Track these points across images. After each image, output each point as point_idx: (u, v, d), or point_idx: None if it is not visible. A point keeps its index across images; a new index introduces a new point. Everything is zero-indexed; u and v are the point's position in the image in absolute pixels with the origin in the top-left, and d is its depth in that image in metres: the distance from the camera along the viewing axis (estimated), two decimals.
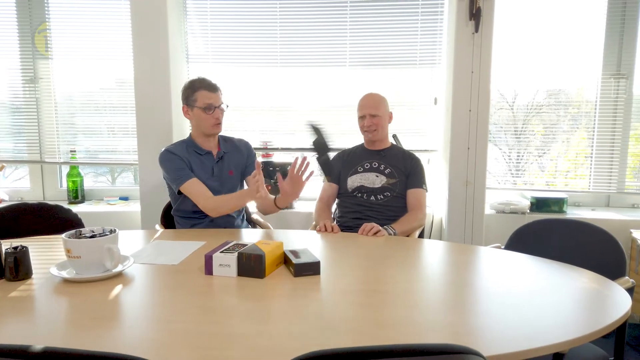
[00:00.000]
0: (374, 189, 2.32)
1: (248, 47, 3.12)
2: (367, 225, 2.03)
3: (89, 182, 3.58)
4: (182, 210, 2.27)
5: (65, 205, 3.16)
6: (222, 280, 1.48)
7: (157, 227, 2.37)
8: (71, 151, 3.26)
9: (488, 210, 2.93)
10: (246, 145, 2.37)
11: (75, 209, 3.11)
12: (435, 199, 3.10)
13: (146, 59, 2.83)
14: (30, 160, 3.31)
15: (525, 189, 3.13)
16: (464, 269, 1.59)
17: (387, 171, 2.33)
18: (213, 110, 2.15)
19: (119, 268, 1.54)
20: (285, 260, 1.62)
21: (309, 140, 2.13)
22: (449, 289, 1.40)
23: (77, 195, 3.27)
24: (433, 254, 1.78)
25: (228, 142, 2.33)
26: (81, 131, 3.32)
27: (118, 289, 1.40)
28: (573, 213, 2.95)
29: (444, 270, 1.57)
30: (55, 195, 3.37)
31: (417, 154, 2.39)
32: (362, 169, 2.37)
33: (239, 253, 1.52)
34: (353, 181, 2.37)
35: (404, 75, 3.07)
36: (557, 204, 2.96)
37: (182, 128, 3.09)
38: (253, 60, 3.12)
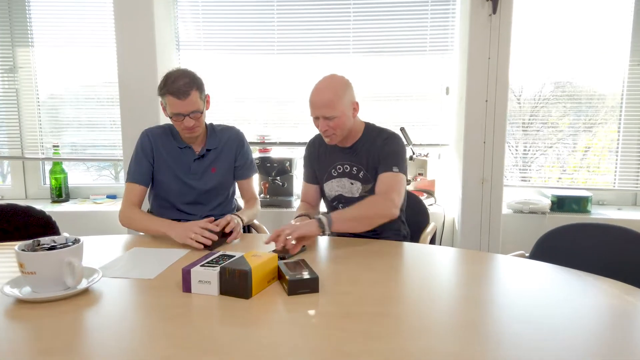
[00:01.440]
0: (354, 199, 1.93)
1: (243, 33, 2.87)
2: (276, 233, 1.60)
3: (85, 177, 3.36)
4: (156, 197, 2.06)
5: (45, 205, 2.97)
6: (202, 300, 1.25)
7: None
8: (54, 146, 3.03)
9: (505, 210, 2.69)
10: (237, 136, 2.05)
11: (58, 208, 2.89)
12: (446, 198, 2.86)
13: (130, 47, 2.59)
14: (10, 156, 3.09)
15: (545, 187, 2.88)
16: (486, 283, 1.35)
17: (361, 174, 1.91)
18: (182, 119, 1.83)
19: (83, 284, 1.31)
20: (279, 275, 1.39)
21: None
22: (470, 310, 1.16)
23: (60, 193, 3.05)
24: (448, 264, 1.55)
25: (217, 134, 2.02)
26: (66, 124, 3.09)
27: (79, 311, 1.18)
28: (598, 213, 2.71)
29: (462, 285, 1.34)
30: (38, 193, 3.15)
31: (426, 149, 2.01)
32: (335, 172, 1.96)
33: (221, 268, 1.29)
34: (330, 189, 1.99)
35: (412, 63, 2.82)
36: (580, 202, 2.72)
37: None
38: (248, 47, 2.88)
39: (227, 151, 2.02)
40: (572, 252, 1.74)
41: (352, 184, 1.94)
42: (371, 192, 1.91)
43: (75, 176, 3.32)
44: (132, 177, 1.95)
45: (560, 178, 2.94)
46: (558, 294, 1.27)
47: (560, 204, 2.74)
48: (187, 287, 1.30)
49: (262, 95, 2.94)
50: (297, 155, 2.97)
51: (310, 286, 1.30)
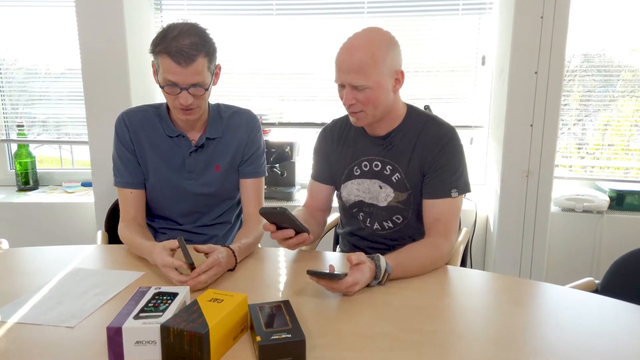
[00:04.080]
0: (378, 209, 1.43)
1: None
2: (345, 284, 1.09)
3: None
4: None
5: (10, 194, 2.51)
6: None
7: (99, 234, 1.71)
8: (18, 126, 2.61)
9: (552, 208, 2.19)
10: (251, 121, 1.50)
11: (23, 198, 2.48)
12: (479, 192, 2.38)
13: (91, 7, 2.11)
14: None
15: (601, 179, 2.38)
16: (551, 333, 0.89)
17: (395, 178, 1.40)
18: (178, 93, 1.28)
19: None
20: (251, 325, 0.95)
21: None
22: None
23: (27, 180, 2.63)
24: (488, 304, 1.08)
25: (224, 120, 1.47)
26: (32, 99, 2.65)
27: None
28: None
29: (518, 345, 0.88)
30: (5, 179, 2.75)
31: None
32: (359, 170, 1.45)
33: (163, 326, 0.85)
34: (349, 192, 1.47)
35: (440, 27, 2.30)
36: None
37: (146, 94, 2.38)
38: (241, 8, 2.38)
39: (234, 142, 1.47)
40: None
41: (380, 187, 1.42)
42: (405, 204, 1.41)
43: (47, 152, 2.88)
44: (120, 180, 1.46)
45: (627, 168, 2.43)
46: None
47: (620, 200, 2.24)
48: (117, 355, 0.86)
49: (257, 66, 2.45)
50: (300, 139, 2.50)
51: (293, 352, 0.85)
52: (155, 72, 1.34)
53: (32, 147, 2.66)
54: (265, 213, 1.18)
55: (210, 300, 0.93)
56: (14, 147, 2.72)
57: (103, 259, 1.38)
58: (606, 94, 2.35)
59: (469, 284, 1.23)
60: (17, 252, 1.42)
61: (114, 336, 0.85)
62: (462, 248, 1.58)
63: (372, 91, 1.28)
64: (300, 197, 2.48)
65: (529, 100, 1.97)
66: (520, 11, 1.92)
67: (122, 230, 1.42)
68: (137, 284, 1.18)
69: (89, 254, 1.40)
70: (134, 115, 1.46)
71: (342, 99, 1.34)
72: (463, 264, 1.62)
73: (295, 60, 2.43)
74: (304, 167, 2.58)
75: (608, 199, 2.20)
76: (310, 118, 2.50)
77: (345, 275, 1.09)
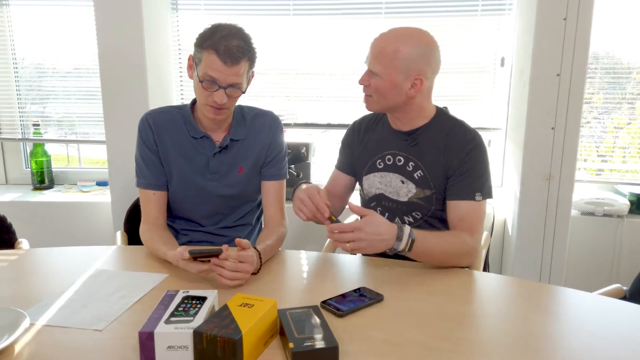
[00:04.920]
0: (399, 204, 1.44)
1: None
2: (343, 227, 1.18)
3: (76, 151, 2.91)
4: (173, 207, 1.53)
5: (26, 192, 2.53)
6: None
7: (118, 235, 1.71)
8: (34, 125, 2.61)
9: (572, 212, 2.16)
10: (273, 123, 1.50)
11: (38, 197, 2.49)
12: (496, 195, 2.35)
13: (110, 6, 2.10)
14: None
15: (621, 182, 2.35)
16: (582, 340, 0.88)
17: (417, 174, 1.41)
18: (215, 90, 1.29)
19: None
20: (280, 331, 0.94)
21: None
22: None
23: (43, 179, 2.64)
24: (530, 313, 1.07)
25: (247, 121, 1.47)
26: (49, 98, 2.65)
27: None
28: None
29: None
30: (20, 178, 2.75)
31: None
32: (382, 164, 1.46)
33: (196, 332, 0.84)
34: (370, 184, 1.49)
35: (458, 27, 2.28)
36: None
37: (162, 94, 2.38)
38: (258, 8, 2.37)
39: (257, 144, 1.47)
40: None
41: (402, 182, 1.43)
42: (426, 202, 1.41)
43: (54, 149, 2.87)
44: (143, 181, 1.46)
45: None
46: None
47: None
48: (148, 357, 0.85)
49: (273, 67, 2.44)
50: (315, 140, 2.49)
51: (325, 359, 0.84)
52: (191, 66, 1.35)
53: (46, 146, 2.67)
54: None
55: (240, 305, 0.92)
56: (28, 146, 2.73)
57: (124, 260, 1.38)
58: (614, 95, 2.32)
59: (495, 290, 1.21)
60: (38, 253, 1.41)
61: (146, 341, 0.84)
62: (484, 252, 1.57)
63: (381, 81, 1.33)
64: None
65: (551, 102, 1.95)
66: (543, 13, 1.89)
67: (144, 233, 1.41)
68: (162, 287, 1.17)
69: (110, 255, 1.40)
70: (157, 116, 1.45)
71: None
72: (483, 267, 1.60)
73: (312, 61, 2.42)
74: (319, 167, 2.57)
75: (628, 202, 2.18)
76: (329, 119, 2.49)
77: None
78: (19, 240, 1.63)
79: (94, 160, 3.01)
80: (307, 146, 2.37)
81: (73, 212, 2.39)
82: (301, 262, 1.36)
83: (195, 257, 1.14)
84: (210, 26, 1.30)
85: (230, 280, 1.11)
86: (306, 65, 2.42)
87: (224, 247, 1.12)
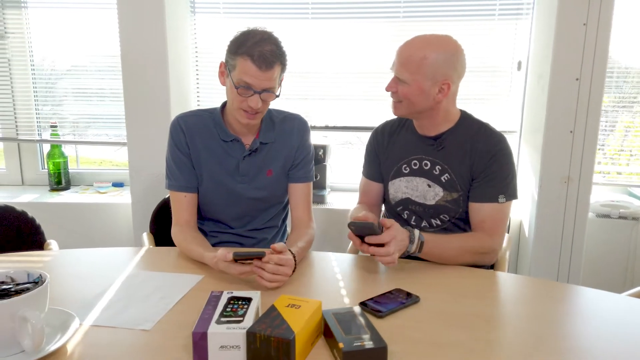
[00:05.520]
0: (426, 207, 1.47)
1: None
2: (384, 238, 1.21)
3: (92, 151, 2.93)
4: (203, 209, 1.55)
5: (43, 193, 2.58)
6: None
7: (144, 236, 1.73)
8: (51, 126, 2.63)
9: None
10: (302, 127, 1.52)
11: (56, 198, 2.51)
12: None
13: (133, 8, 2.13)
14: (2, 137, 2.69)
15: (635, 185, 2.37)
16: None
17: (444, 178, 1.43)
18: (250, 95, 1.32)
19: (53, 344, 0.90)
20: (325, 331, 0.96)
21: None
22: None
23: (59, 179, 2.65)
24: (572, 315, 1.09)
25: (276, 125, 1.50)
26: (65, 99, 2.67)
27: None
28: None
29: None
30: (36, 179, 2.77)
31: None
32: (408, 169, 1.49)
33: (249, 332, 0.86)
34: (396, 189, 1.51)
35: (476, 32, 2.31)
36: None
37: (184, 98, 2.40)
38: (277, 11, 2.40)
39: (286, 147, 1.50)
40: None
41: (429, 186, 1.46)
42: (454, 205, 1.44)
43: (87, 151, 2.90)
44: (175, 183, 1.47)
45: None
46: None
47: None
48: (202, 356, 0.87)
49: (292, 70, 2.45)
50: (332, 142, 2.51)
51: (375, 358, 0.86)
52: (223, 73, 1.38)
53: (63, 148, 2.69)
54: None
55: (287, 306, 0.94)
56: (45, 148, 2.74)
57: (156, 261, 1.39)
58: (620, 97, 2.35)
59: (527, 291, 1.23)
60: (71, 254, 1.43)
61: (200, 341, 0.86)
62: (508, 254, 1.59)
63: (409, 88, 1.35)
64: (331, 200, 2.48)
65: (570, 106, 1.97)
66: (563, 18, 1.92)
67: (176, 235, 1.43)
68: (199, 287, 1.19)
69: (142, 256, 1.42)
70: (189, 119, 1.47)
71: None
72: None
73: (330, 63, 2.44)
74: (335, 170, 2.59)
75: None
76: (347, 121, 2.51)
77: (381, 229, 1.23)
78: (48, 241, 1.65)
79: (92, 161, 3.03)
80: (324, 148, 2.39)
81: (92, 213, 2.41)
82: (332, 263, 1.38)
83: (237, 259, 1.16)
84: (241, 32, 1.33)
85: (269, 282, 1.13)
86: (324, 68, 2.44)
87: (267, 250, 1.15)
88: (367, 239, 1.23)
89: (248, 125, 1.42)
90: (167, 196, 1.79)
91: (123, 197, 2.50)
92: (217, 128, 1.46)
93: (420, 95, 1.36)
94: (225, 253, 1.15)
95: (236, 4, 2.42)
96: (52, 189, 2.64)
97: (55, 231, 2.40)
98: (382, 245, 1.21)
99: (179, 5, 2.30)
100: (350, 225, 1.24)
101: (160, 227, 1.75)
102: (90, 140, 2.74)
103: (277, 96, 1.37)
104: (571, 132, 1.99)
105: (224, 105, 1.49)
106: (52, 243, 1.64)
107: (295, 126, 1.51)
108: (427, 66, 1.33)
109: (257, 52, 1.27)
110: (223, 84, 1.39)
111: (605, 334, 1.00)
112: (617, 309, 1.13)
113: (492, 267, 1.51)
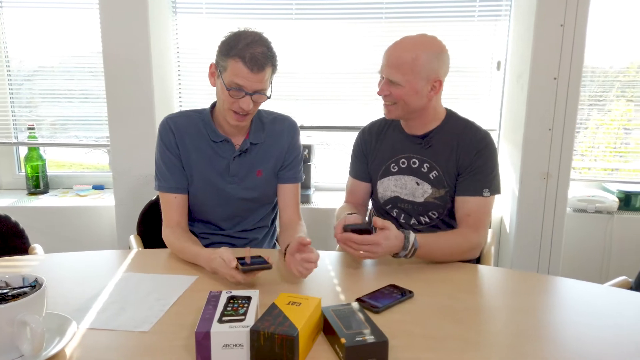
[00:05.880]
0: (415, 204, 1.50)
1: None
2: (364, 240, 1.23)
3: (69, 154, 2.86)
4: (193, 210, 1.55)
5: (21, 197, 2.48)
6: None
7: (132, 239, 1.71)
8: (29, 128, 2.57)
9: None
10: (292, 128, 1.53)
11: (34, 202, 2.45)
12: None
13: (116, 8, 2.10)
14: None
15: (616, 181, 2.46)
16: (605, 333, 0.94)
17: (433, 175, 1.47)
18: (242, 97, 1.32)
19: (52, 348, 0.89)
20: (325, 328, 0.97)
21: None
22: None
23: (38, 183, 2.60)
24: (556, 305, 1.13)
25: (266, 125, 1.50)
26: (43, 101, 2.61)
27: None
28: None
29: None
30: (13, 182, 2.70)
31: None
32: (396, 167, 1.52)
33: (253, 330, 0.87)
34: (385, 188, 1.54)
35: (456, 32, 2.36)
36: None
37: (167, 99, 2.38)
38: (260, 11, 2.40)
39: (276, 148, 1.50)
40: None
41: (417, 184, 1.49)
42: (442, 201, 1.48)
43: (56, 154, 2.83)
44: (165, 184, 1.46)
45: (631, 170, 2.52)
46: None
47: (628, 201, 2.33)
48: (204, 356, 0.87)
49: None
50: (316, 142, 2.53)
51: (377, 353, 0.88)
52: (214, 74, 1.37)
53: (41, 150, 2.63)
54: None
55: (288, 304, 0.95)
56: (22, 151, 2.68)
57: (147, 263, 1.38)
58: (589, 95, 2.44)
59: (513, 284, 1.27)
60: (59, 258, 1.41)
61: (202, 340, 0.87)
62: (492, 249, 1.64)
63: (404, 90, 1.38)
64: (316, 199, 2.50)
65: (548, 105, 2.04)
66: (541, 19, 1.98)
67: (168, 236, 1.42)
68: (194, 288, 1.19)
69: (132, 258, 1.40)
70: (178, 119, 1.47)
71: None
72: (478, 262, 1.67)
73: (313, 64, 2.45)
74: (319, 169, 2.60)
75: (617, 199, 2.29)
76: (331, 121, 2.52)
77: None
78: (33, 245, 1.61)
79: (61, 164, 2.95)
80: (309, 148, 2.40)
81: (74, 216, 2.36)
82: (324, 261, 1.40)
83: (243, 270, 1.16)
84: (232, 34, 1.33)
85: (300, 272, 1.18)
86: (307, 68, 2.46)
87: (271, 261, 1.17)
88: (361, 239, 1.24)
89: (237, 126, 1.42)
90: (154, 198, 1.78)
91: (105, 200, 2.46)
92: (206, 129, 1.46)
93: (415, 95, 1.39)
94: (230, 258, 1.15)
95: (219, 4, 2.41)
96: (30, 193, 2.59)
97: (37, 235, 2.36)
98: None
99: (162, 5, 2.28)
100: (345, 227, 1.25)
101: (148, 229, 1.74)
102: (71, 142, 2.68)
103: (269, 97, 1.37)
104: (550, 129, 2.06)
105: (214, 105, 1.49)
106: (37, 247, 1.61)
107: (285, 127, 1.52)
108: (419, 66, 1.36)
109: (248, 54, 1.27)
110: (213, 84, 1.39)
111: (592, 322, 1.04)
112: (601, 298, 1.17)
113: (477, 261, 1.55)
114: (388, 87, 1.40)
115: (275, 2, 2.38)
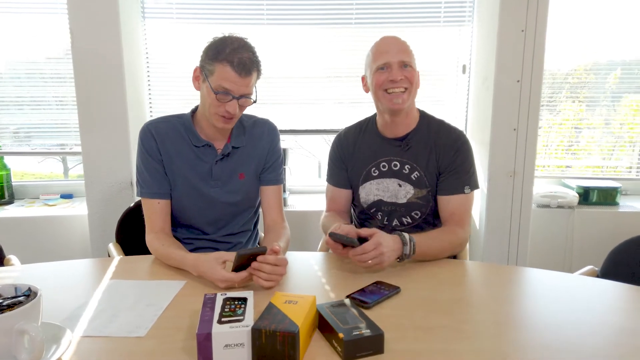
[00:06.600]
0: (398, 206, 1.55)
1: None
2: (366, 247, 1.25)
3: (30, 164, 2.78)
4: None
5: None
6: None
7: (111, 247, 1.69)
8: None
9: None
10: (272, 132, 1.56)
11: (2, 213, 2.37)
12: None
13: (85, 11, 2.07)
14: None
15: (575, 177, 2.60)
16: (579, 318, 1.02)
17: (414, 176, 1.52)
18: (229, 100, 1.34)
19: (49, 358, 0.88)
20: (320, 324, 1.01)
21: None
22: None
23: (2, 194, 2.51)
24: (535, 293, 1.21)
25: (247, 129, 1.52)
26: (5, 107, 2.53)
27: None
28: (627, 205, 2.46)
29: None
30: None
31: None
32: (377, 171, 1.56)
33: (254, 328, 0.89)
34: (368, 192, 1.58)
35: (423, 37, 2.44)
36: (608, 194, 2.46)
37: (140, 105, 2.36)
38: (231, 17, 2.41)
39: (257, 151, 1.53)
40: None
41: (400, 186, 1.54)
42: (424, 201, 1.53)
43: (18, 163, 2.75)
44: (147, 190, 1.46)
45: (602, 169, 2.67)
46: None
47: (586, 196, 2.47)
48: (206, 356, 0.89)
49: None
50: (290, 145, 2.56)
51: (373, 346, 0.92)
52: (198, 78, 1.38)
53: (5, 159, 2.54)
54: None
55: (284, 303, 0.98)
56: None
57: (132, 270, 1.37)
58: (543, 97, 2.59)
59: (491, 276, 1.34)
60: (38, 268, 1.38)
61: (204, 341, 0.88)
62: (467, 244, 1.71)
63: (415, 73, 1.45)
64: (292, 202, 2.53)
65: (513, 106, 2.15)
66: (504, 25, 2.09)
67: (152, 242, 1.42)
68: (184, 292, 1.20)
69: (116, 266, 1.39)
70: (159, 125, 1.47)
71: (380, 83, 1.44)
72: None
73: (285, 68, 2.48)
74: (293, 172, 2.64)
75: (577, 195, 2.43)
76: (301, 124, 2.56)
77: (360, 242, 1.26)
78: (8, 257, 1.57)
79: (14, 173, 2.88)
80: (284, 151, 2.42)
81: (45, 226, 2.30)
82: (310, 262, 1.43)
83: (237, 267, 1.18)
84: (218, 39, 1.35)
85: (267, 282, 1.17)
86: (279, 72, 2.49)
87: (269, 249, 1.19)
88: (350, 252, 1.27)
89: (223, 129, 1.44)
90: (132, 205, 1.76)
91: (76, 209, 2.41)
92: (188, 133, 1.47)
93: (418, 82, 1.48)
94: (218, 256, 1.18)
95: (190, 9, 2.40)
96: None
97: (8, 247, 2.28)
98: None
99: (132, 10, 2.26)
100: (330, 235, 1.28)
101: (127, 237, 1.72)
102: (38, 151, 2.60)
103: (254, 102, 1.40)
104: (515, 129, 2.16)
105: (194, 110, 1.50)
106: (13, 258, 1.56)
107: (265, 130, 1.55)
108: (413, 54, 1.47)
109: (236, 59, 1.30)
110: (197, 88, 1.40)
111: (567, 308, 1.12)
112: (573, 286, 1.26)
113: (454, 256, 1.62)
114: (402, 72, 1.42)
115: (247, 7, 2.40)
